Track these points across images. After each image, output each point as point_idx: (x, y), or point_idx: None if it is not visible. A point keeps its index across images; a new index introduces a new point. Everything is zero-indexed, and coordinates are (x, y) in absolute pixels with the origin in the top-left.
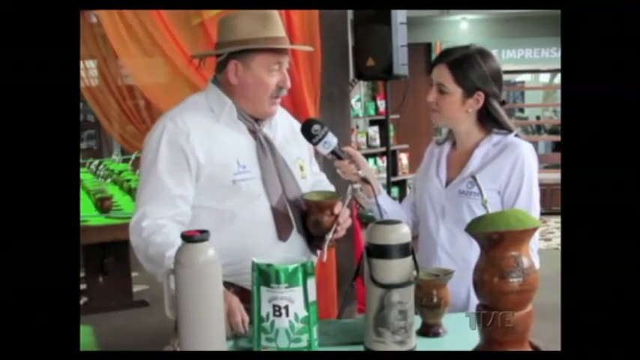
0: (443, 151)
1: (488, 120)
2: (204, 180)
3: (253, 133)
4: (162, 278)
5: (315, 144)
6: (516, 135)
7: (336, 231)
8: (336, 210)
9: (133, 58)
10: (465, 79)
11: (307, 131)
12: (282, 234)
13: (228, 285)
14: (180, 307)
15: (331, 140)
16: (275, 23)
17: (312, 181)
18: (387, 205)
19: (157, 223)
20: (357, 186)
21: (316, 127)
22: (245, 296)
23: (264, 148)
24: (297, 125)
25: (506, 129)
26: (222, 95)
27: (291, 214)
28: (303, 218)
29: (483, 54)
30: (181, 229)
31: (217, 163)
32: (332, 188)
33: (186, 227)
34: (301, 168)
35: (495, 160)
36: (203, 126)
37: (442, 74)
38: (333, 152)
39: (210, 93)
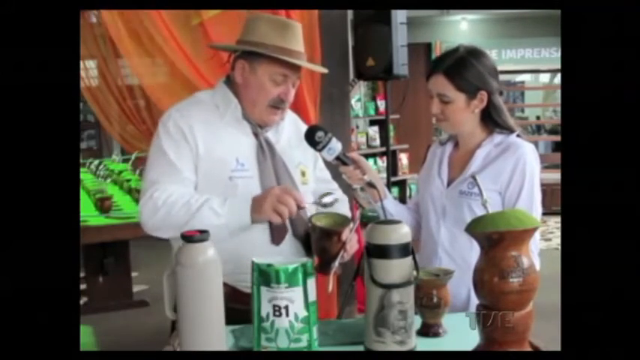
0: (445, 151)
1: (490, 119)
2: (202, 173)
3: (256, 135)
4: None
5: (319, 150)
6: (518, 135)
7: (342, 257)
8: (344, 236)
9: (135, 57)
10: (465, 83)
11: (311, 138)
12: (276, 238)
13: None
14: (180, 307)
15: (335, 146)
16: (293, 35)
17: (319, 187)
18: (393, 208)
19: (168, 191)
20: (357, 186)
21: (320, 133)
22: (237, 296)
23: (264, 150)
24: (304, 130)
25: (507, 129)
26: (229, 94)
27: (287, 220)
28: (305, 227)
29: (474, 53)
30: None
31: (216, 158)
32: (345, 200)
33: None
34: (303, 173)
35: (497, 161)
36: (206, 121)
37: (440, 84)
38: (337, 158)
39: (218, 91)
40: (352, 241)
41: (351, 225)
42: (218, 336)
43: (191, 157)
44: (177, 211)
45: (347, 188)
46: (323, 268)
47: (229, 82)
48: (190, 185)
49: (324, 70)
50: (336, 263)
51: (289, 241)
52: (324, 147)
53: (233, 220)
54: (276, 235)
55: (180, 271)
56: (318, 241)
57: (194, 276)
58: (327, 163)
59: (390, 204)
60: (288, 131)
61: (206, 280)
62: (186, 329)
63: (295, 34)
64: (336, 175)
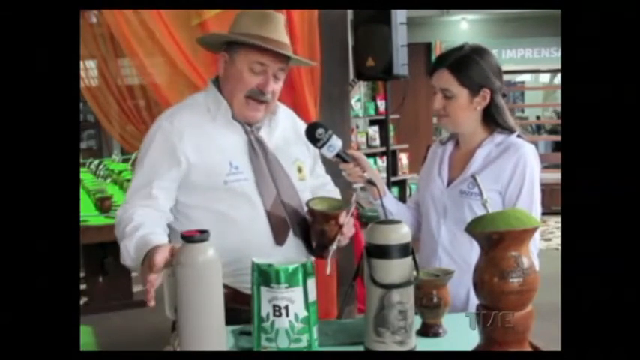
0: (446, 151)
1: (491, 118)
2: (196, 180)
3: (247, 134)
4: (139, 273)
5: (319, 148)
6: (519, 136)
7: (339, 241)
8: (341, 220)
9: (137, 57)
10: (469, 79)
11: (311, 135)
12: (279, 238)
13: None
14: (180, 307)
15: (335, 144)
16: (273, 25)
17: (314, 183)
18: (393, 206)
19: (127, 213)
20: (358, 186)
21: (320, 130)
22: (239, 298)
23: (256, 150)
24: (302, 126)
25: (508, 129)
26: (218, 95)
27: (287, 218)
28: (305, 225)
29: (479, 51)
30: (157, 217)
31: (210, 163)
32: (337, 192)
33: (167, 218)
34: (299, 170)
35: (497, 161)
36: (198, 126)
37: (444, 79)
38: (338, 155)
39: (209, 92)
40: (349, 224)
41: (348, 209)
42: (218, 336)
43: (177, 167)
44: (119, 234)
45: (348, 188)
46: (321, 252)
47: (217, 82)
48: (161, 195)
49: (310, 63)
50: (334, 246)
51: (291, 241)
52: (324, 144)
53: (136, 264)
54: (279, 234)
55: (180, 270)
56: (316, 225)
57: (194, 276)
58: (325, 160)
59: (390, 202)
60: (283, 127)
61: (206, 280)
62: (186, 329)
63: (276, 24)
64: (336, 173)
